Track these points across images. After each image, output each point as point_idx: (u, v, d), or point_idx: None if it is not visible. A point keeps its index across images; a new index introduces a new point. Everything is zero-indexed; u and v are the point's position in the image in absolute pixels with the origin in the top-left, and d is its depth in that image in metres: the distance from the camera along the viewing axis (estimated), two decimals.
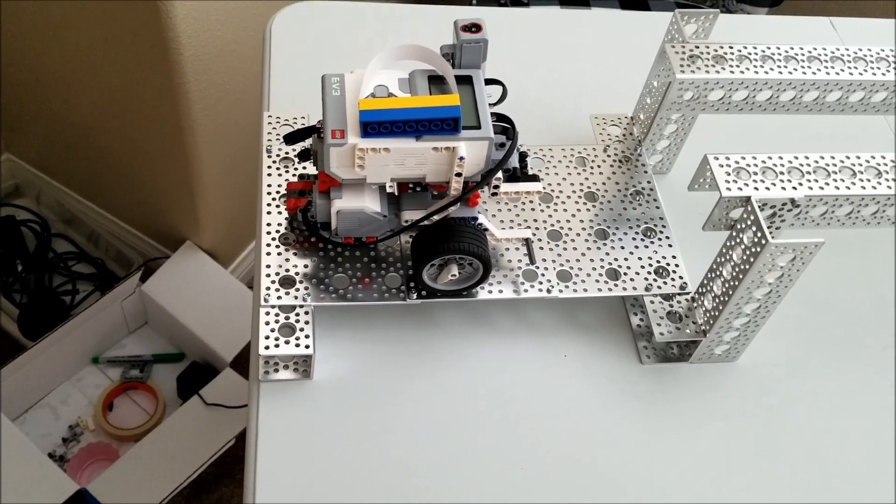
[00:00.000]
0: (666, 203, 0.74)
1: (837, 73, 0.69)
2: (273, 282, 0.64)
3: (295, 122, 0.75)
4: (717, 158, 0.61)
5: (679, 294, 0.69)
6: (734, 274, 0.61)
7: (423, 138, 0.57)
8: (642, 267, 0.69)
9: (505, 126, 0.62)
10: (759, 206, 0.59)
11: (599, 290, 0.68)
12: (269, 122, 0.75)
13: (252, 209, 0.70)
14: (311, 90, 0.83)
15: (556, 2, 1.54)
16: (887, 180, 0.62)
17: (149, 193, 1.49)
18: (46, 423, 1.45)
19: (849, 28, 1.01)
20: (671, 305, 0.69)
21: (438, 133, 0.57)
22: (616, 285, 0.68)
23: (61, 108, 1.42)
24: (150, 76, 1.20)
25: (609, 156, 0.77)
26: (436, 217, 0.62)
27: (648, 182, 0.75)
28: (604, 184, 0.75)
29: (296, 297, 0.64)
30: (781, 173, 0.61)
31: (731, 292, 0.62)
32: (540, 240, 0.70)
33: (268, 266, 0.65)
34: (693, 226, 0.68)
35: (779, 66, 0.69)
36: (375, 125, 0.56)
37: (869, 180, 0.62)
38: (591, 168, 0.76)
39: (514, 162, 0.63)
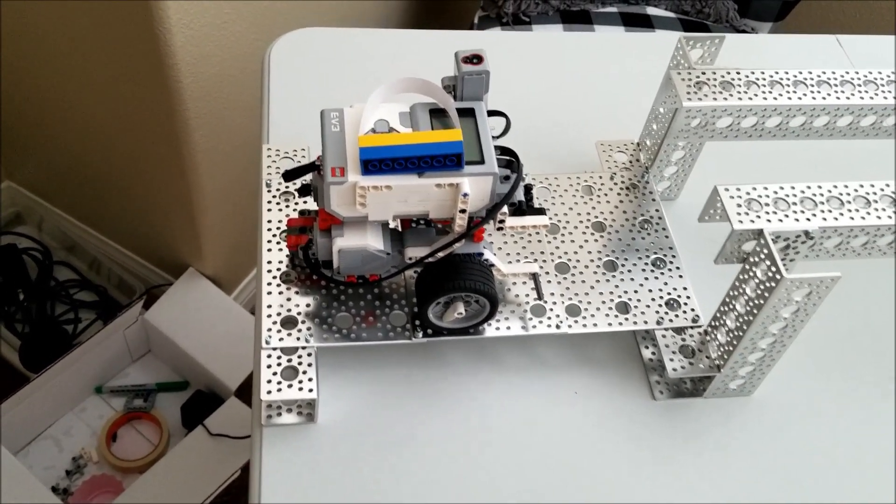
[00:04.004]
0: (675, 231, 0.72)
1: (848, 98, 0.67)
2: (275, 322, 0.62)
3: (295, 155, 0.74)
4: (728, 190, 0.60)
5: (691, 327, 0.67)
6: (748, 308, 0.59)
7: (425, 175, 0.55)
8: (653, 299, 0.68)
9: (509, 159, 0.60)
10: (772, 239, 0.57)
11: (610, 324, 0.66)
12: (269, 156, 0.73)
13: (254, 234, 0.69)
14: (312, 119, 0.81)
15: (558, 19, 1.52)
16: None
17: (150, 220, 1.48)
18: (49, 455, 1.44)
19: (855, 46, 0.99)
20: (683, 339, 0.67)
21: (441, 169, 0.55)
22: (626, 319, 0.66)
23: (62, 135, 1.41)
24: (150, 103, 1.19)
25: (616, 183, 0.75)
26: (440, 254, 0.60)
27: (657, 210, 0.73)
28: (611, 213, 0.73)
29: (298, 339, 0.62)
30: (794, 204, 0.60)
31: (745, 327, 0.60)
32: (547, 273, 0.68)
33: (269, 306, 0.63)
34: (703, 254, 0.67)
35: (788, 92, 0.67)
36: (376, 162, 0.54)
37: (884, 209, 0.60)
38: (598, 196, 0.74)
39: (519, 195, 0.61)
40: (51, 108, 1.36)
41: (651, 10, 1.54)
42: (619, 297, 0.68)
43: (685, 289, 0.68)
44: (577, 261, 0.69)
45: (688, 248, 0.71)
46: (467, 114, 0.59)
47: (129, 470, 1.42)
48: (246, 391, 1.41)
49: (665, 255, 0.70)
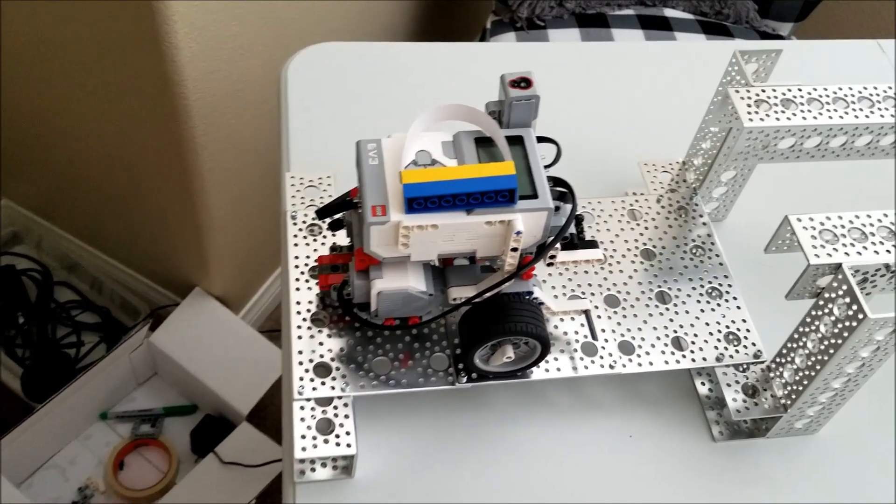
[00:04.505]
0: (727, 254, 0.67)
1: None
2: (307, 370, 0.58)
3: (320, 183, 0.69)
4: (801, 220, 0.55)
5: (753, 363, 0.62)
6: (822, 348, 0.54)
7: (475, 212, 0.51)
8: (710, 334, 0.63)
9: (561, 190, 0.55)
10: (851, 273, 0.52)
11: (666, 362, 0.61)
12: (293, 185, 0.68)
13: (263, 252, 0.64)
14: (335, 140, 0.77)
15: (574, 23, 1.47)
16: None
17: (155, 238, 1.43)
18: (55, 485, 1.38)
19: None
20: (746, 377, 0.62)
21: (492, 206, 0.50)
22: (684, 356, 0.62)
23: (61, 152, 1.36)
24: (155, 119, 1.14)
25: (663, 207, 0.70)
26: (488, 294, 0.56)
27: (709, 235, 0.69)
28: (660, 239, 0.68)
29: (332, 388, 0.57)
30: (871, 234, 0.55)
31: (818, 367, 0.55)
32: (597, 307, 0.63)
33: (300, 352, 0.58)
34: (759, 280, 0.62)
35: (854, 109, 0.62)
36: (422, 200, 0.49)
37: None
38: (645, 221, 0.69)
39: (570, 228, 0.56)
40: (50, 124, 1.30)
41: (669, 13, 1.49)
42: (675, 331, 0.63)
43: (744, 321, 0.64)
44: (628, 293, 0.65)
45: (742, 274, 0.66)
46: (516, 142, 0.54)
47: (138, 500, 1.36)
48: (258, 415, 1.36)
49: (720, 284, 0.66)
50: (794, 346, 0.58)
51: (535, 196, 0.52)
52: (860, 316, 0.50)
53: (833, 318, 0.53)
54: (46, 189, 1.51)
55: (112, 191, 1.37)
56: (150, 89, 1.09)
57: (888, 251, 0.54)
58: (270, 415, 1.40)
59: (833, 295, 0.53)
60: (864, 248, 0.54)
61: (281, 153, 0.76)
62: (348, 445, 0.55)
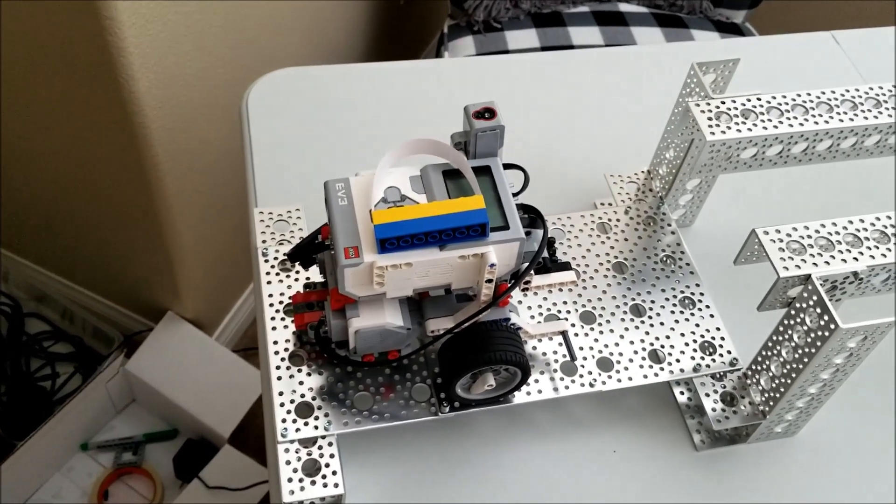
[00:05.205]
0: (696, 261, 0.68)
1: (876, 117, 0.63)
2: (289, 411, 0.58)
3: (289, 217, 0.69)
4: (767, 233, 0.56)
5: (730, 371, 0.63)
6: (796, 356, 0.55)
7: (447, 247, 0.51)
8: (686, 344, 0.64)
9: (532, 217, 0.56)
10: (820, 284, 0.53)
11: (645, 376, 0.62)
12: (262, 220, 0.68)
13: (233, 272, 0.64)
14: (302, 169, 0.77)
15: (530, 23, 1.48)
16: None
17: (124, 264, 1.42)
18: None
19: (852, 41, 0.96)
20: (723, 385, 0.63)
21: (465, 240, 0.51)
22: (662, 369, 0.62)
23: (25, 184, 1.34)
24: (116, 150, 1.13)
25: (631, 218, 0.71)
26: (465, 324, 0.56)
27: (678, 244, 0.69)
28: (630, 251, 0.69)
29: (316, 427, 0.57)
30: (838, 242, 0.56)
31: (793, 375, 0.56)
32: (573, 325, 0.64)
33: (280, 394, 0.58)
34: (729, 286, 0.63)
35: (813, 116, 0.63)
36: (394, 240, 0.50)
37: None
38: (615, 233, 0.70)
39: (543, 252, 0.57)
40: (12, 158, 1.29)
41: (624, 7, 1.50)
42: (651, 344, 0.64)
43: (718, 329, 0.65)
44: (603, 308, 0.65)
45: (713, 281, 0.67)
46: (483, 172, 0.54)
47: None
48: (239, 437, 1.36)
49: (693, 293, 0.66)
50: (769, 354, 0.59)
51: (506, 227, 0.52)
52: (832, 326, 0.51)
53: (805, 328, 0.54)
54: (11, 221, 1.49)
55: (79, 220, 1.36)
56: (110, 120, 1.08)
57: (855, 259, 0.55)
58: (252, 435, 1.39)
59: (804, 305, 0.54)
60: (832, 256, 0.55)
61: (247, 186, 0.76)
62: (336, 485, 0.55)
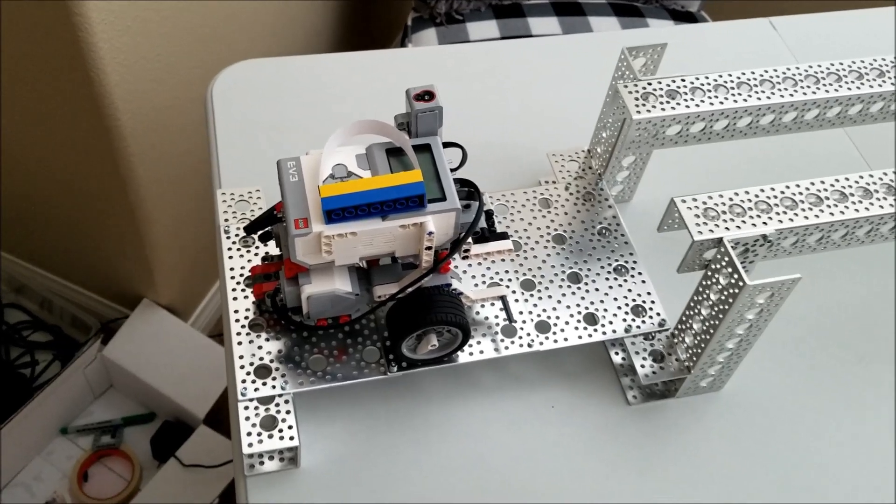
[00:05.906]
0: (633, 234, 0.73)
1: (791, 95, 0.69)
2: (248, 373, 0.62)
3: (250, 197, 0.73)
4: (685, 201, 0.61)
5: (659, 331, 0.68)
6: (713, 313, 0.60)
7: (389, 218, 0.56)
8: (619, 308, 0.69)
9: (469, 190, 0.61)
10: (731, 246, 0.59)
11: (580, 337, 0.67)
12: (224, 200, 0.73)
13: (206, 259, 0.68)
14: (263, 155, 0.81)
15: (491, 14, 1.53)
16: (854, 203, 0.62)
17: (100, 254, 1.46)
18: (21, 502, 1.41)
19: (788, 27, 1.02)
20: (652, 344, 0.68)
21: (404, 211, 0.56)
22: (595, 330, 0.67)
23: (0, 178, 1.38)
24: (89, 142, 1.17)
25: (571, 194, 0.76)
26: (409, 289, 0.61)
27: (614, 217, 0.75)
28: (570, 224, 0.74)
29: (273, 387, 0.62)
30: (750, 209, 0.61)
31: (711, 331, 0.61)
32: (514, 292, 0.69)
33: (241, 357, 0.63)
34: (662, 255, 0.68)
35: (733, 95, 0.68)
36: (339, 211, 0.55)
37: (836, 205, 0.62)
38: (556, 209, 0.75)
39: (481, 223, 0.62)
40: None
41: None
42: (587, 308, 0.69)
43: (649, 293, 0.70)
44: (542, 276, 0.70)
45: (647, 251, 0.73)
46: (424, 149, 0.59)
47: None
48: (214, 418, 1.40)
49: (626, 262, 0.72)
50: (692, 313, 0.64)
51: (443, 199, 0.57)
52: (741, 283, 0.56)
53: (720, 287, 0.59)
54: None
55: (54, 212, 1.40)
56: (82, 112, 1.12)
57: (764, 223, 0.60)
58: (226, 416, 1.44)
59: (718, 266, 0.59)
60: (743, 222, 0.60)
61: (212, 171, 0.80)
62: (291, 438, 0.60)
